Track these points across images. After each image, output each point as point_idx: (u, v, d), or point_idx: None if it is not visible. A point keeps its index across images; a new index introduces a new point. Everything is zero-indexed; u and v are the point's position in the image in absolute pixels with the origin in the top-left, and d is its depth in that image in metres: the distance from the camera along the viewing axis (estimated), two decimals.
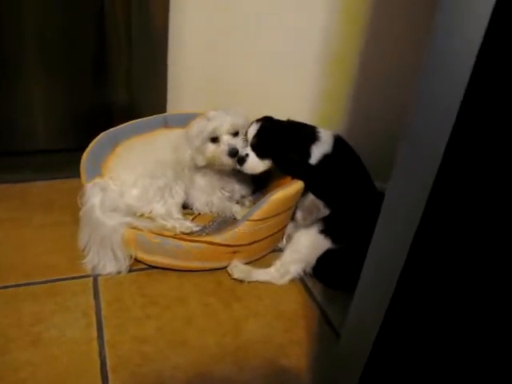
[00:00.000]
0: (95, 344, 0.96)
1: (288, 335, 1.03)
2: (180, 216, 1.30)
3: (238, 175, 1.37)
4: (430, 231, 0.54)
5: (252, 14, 1.47)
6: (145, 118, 1.43)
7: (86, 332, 0.98)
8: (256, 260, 1.24)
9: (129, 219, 1.14)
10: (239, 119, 1.26)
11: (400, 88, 1.38)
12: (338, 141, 1.23)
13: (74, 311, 1.03)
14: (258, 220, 1.14)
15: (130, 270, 1.16)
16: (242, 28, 1.49)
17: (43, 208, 1.37)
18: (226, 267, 1.18)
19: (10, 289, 1.07)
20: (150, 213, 1.26)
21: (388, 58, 1.47)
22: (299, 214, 1.29)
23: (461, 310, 0.58)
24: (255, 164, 1.23)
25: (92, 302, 1.06)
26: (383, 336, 0.63)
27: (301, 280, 1.19)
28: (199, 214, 1.39)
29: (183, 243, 1.12)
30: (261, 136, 1.21)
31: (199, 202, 1.38)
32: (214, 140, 1.26)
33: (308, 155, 1.18)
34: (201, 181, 1.36)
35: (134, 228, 1.13)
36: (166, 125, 1.44)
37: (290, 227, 1.30)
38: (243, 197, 1.43)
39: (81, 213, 1.16)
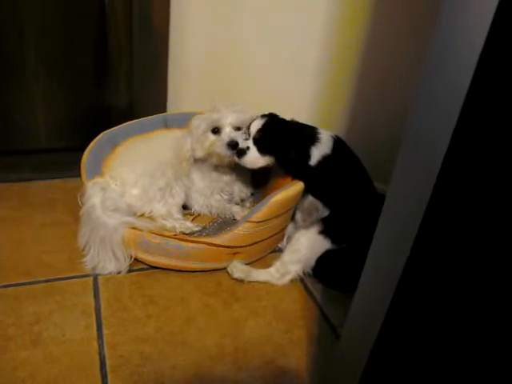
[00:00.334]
0: (95, 344, 0.96)
1: (288, 335, 1.03)
2: (180, 216, 1.30)
3: (237, 176, 1.37)
4: (430, 232, 0.54)
5: (252, 14, 1.47)
6: (145, 118, 1.43)
7: (85, 332, 0.98)
8: (256, 260, 1.24)
9: (129, 219, 1.14)
10: (245, 116, 1.26)
11: (400, 89, 1.39)
12: (338, 142, 1.23)
13: (73, 311, 1.03)
14: (258, 222, 1.15)
15: (130, 270, 1.16)
16: (242, 29, 1.49)
17: (43, 207, 1.37)
18: (226, 268, 1.18)
19: (10, 288, 1.07)
20: (151, 213, 1.26)
21: (388, 59, 1.47)
22: (299, 215, 1.29)
23: (461, 311, 0.58)
24: (255, 158, 1.21)
25: (92, 301, 1.06)
26: (383, 336, 0.63)
27: (301, 280, 1.19)
28: (199, 214, 1.39)
29: (183, 244, 1.12)
30: (265, 131, 1.20)
31: (198, 204, 1.38)
32: (216, 131, 1.26)
33: (308, 156, 1.18)
34: (200, 183, 1.36)
35: (134, 228, 1.13)
36: (166, 125, 1.44)
37: (289, 228, 1.30)
38: (243, 200, 1.43)
39: (81, 212, 1.16)
